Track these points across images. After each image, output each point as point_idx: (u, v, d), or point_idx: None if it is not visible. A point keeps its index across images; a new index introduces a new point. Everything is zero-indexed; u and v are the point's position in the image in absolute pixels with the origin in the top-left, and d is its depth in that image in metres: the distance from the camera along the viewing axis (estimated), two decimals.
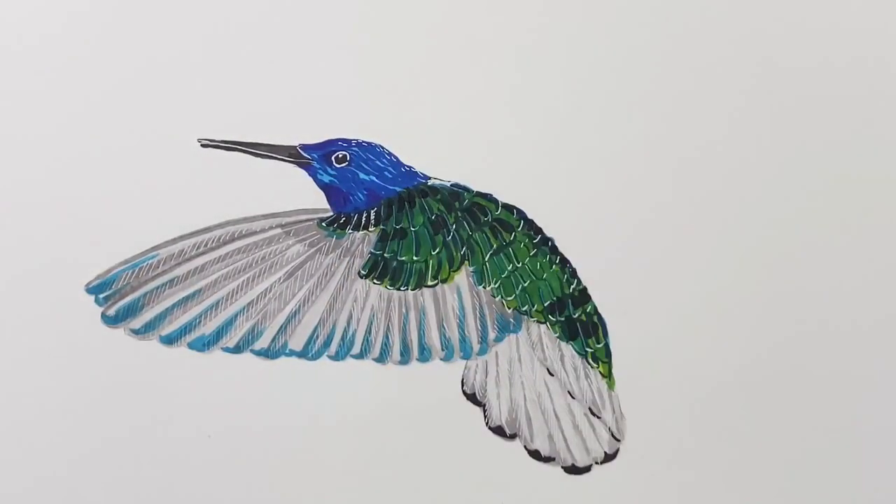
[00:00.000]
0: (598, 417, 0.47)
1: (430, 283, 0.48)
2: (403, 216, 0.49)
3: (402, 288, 0.48)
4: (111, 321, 0.47)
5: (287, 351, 0.47)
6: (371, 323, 0.47)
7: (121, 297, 0.48)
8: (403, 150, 0.50)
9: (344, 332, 0.47)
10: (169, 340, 0.47)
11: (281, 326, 0.47)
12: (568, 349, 0.48)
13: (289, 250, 0.48)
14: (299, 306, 0.48)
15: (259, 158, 0.50)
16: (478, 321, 0.48)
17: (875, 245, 0.49)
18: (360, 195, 0.50)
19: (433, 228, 0.49)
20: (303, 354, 0.47)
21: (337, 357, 0.47)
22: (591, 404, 0.47)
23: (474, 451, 0.46)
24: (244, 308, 0.48)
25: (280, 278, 0.48)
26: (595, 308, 0.48)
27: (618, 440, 0.47)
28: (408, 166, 0.50)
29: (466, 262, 0.48)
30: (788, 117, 0.51)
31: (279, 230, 0.49)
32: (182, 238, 0.48)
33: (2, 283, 0.48)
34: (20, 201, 0.49)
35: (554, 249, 0.49)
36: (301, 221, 0.49)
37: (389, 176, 0.50)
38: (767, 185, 0.50)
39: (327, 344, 0.47)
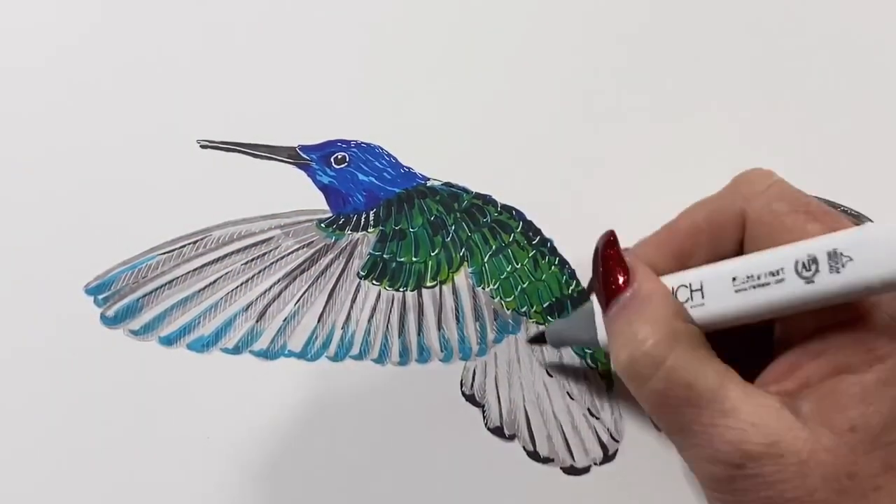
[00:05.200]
0: (597, 418, 0.47)
1: (429, 284, 0.48)
2: (402, 217, 0.49)
3: (401, 289, 0.48)
4: (110, 322, 0.47)
5: (286, 352, 0.47)
6: (370, 324, 0.47)
7: (120, 298, 0.48)
8: (403, 150, 0.50)
9: (343, 333, 0.47)
10: (168, 341, 0.47)
11: (280, 328, 0.47)
12: (567, 350, 0.48)
13: (288, 251, 0.48)
14: (298, 307, 0.48)
15: (258, 159, 0.50)
16: (477, 322, 0.48)
17: None
18: (360, 196, 0.50)
19: (432, 229, 0.49)
20: (302, 355, 0.47)
21: (336, 358, 0.47)
22: (589, 405, 0.47)
23: (473, 451, 0.46)
24: (243, 309, 0.48)
25: (279, 279, 0.48)
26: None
27: (616, 441, 0.46)
28: (407, 167, 0.50)
29: (465, 264, 0.48)
30: (791, 118, 0.51)
31: (278, 231, 0.49)
32: (181, 239, 0.48)
33: (1, 283, 0.48)
34: (19, 202, 0.49)
35: (553, 250, 0.49)
36: (300, 222, 0.49)
37: (389, 177, 0.50)
38: None
39: (326, 345, 0.47)
